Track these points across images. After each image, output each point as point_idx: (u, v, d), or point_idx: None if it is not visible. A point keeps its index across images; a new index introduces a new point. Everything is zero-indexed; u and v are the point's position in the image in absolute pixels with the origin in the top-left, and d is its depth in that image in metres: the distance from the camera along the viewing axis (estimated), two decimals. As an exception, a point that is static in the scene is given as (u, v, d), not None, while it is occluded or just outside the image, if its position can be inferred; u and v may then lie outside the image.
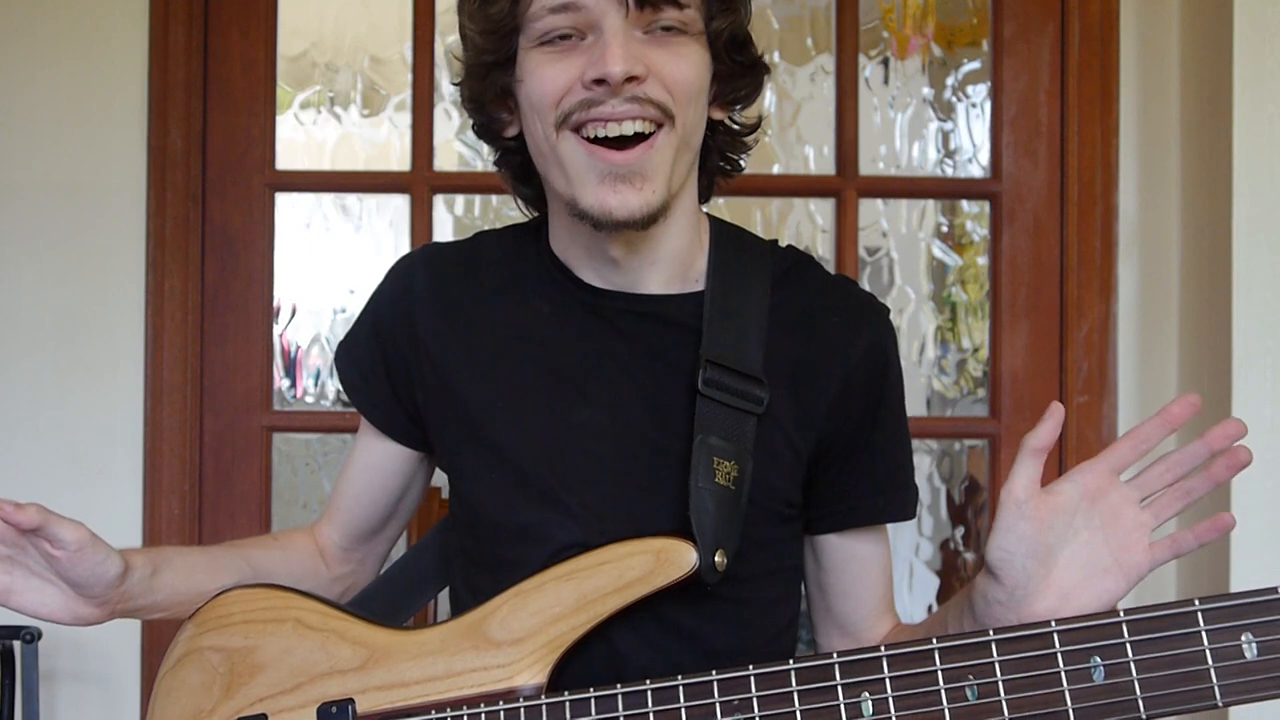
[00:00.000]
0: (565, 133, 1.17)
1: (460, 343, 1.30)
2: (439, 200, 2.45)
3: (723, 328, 1.23)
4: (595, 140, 1.16)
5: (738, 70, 1.25)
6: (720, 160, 1.32)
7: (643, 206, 1.16)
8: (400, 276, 1.36)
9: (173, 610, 1.30)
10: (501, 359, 1.28)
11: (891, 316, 1.35)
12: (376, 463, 1.41)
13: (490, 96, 1.24)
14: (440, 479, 1.44)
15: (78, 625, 1.23)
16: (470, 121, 1.31)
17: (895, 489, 1.31)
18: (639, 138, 1.15)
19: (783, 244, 1.35)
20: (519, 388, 1.26)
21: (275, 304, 2.39)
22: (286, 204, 2.44)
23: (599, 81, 1.13)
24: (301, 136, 2.52)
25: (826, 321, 1.27)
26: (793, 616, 1.34)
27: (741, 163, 1.34)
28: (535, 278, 1.30)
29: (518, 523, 1.23)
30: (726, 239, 1.31)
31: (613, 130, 1.15)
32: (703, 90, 1.20)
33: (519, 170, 1.30)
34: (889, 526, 1.34)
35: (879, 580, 1.34)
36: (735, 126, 1.31)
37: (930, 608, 2.60)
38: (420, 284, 1.33)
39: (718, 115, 1.27)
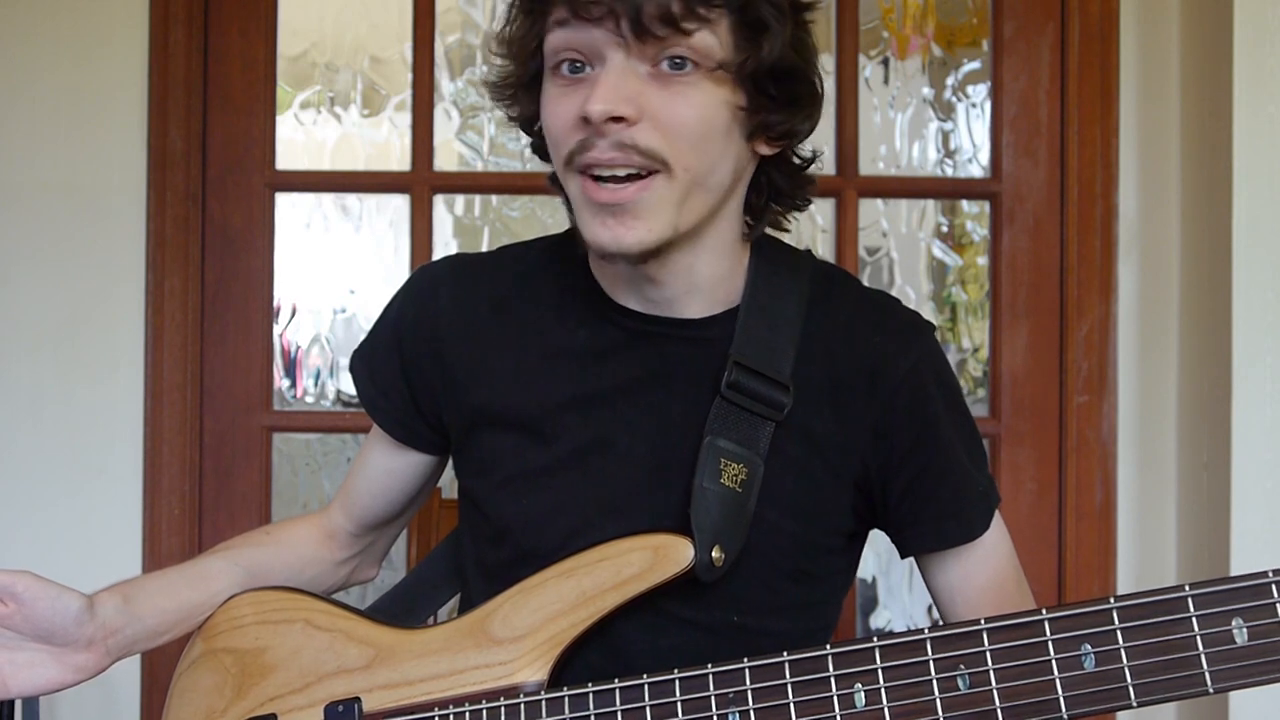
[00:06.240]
0: (572, 172, 1.13)
1: (488, 363, 1.28)
2: (439, 200, 2.45)
3: (753, 332, 1.21)
4: (594, 177, 1.12)
5: (772, 105, 1.15)
6: (771, 195, 1.23)
7: (636, 244, 1.11)
8: (424, 290, 1.33)
9: (174, 630, 1.29)
10: (534, 381, 1.25)
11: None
12: (395, 468, 1.40)
13: (525, 120, 1.22)
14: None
15: (84, 679, 1.22)
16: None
17: (960, 512, 1.25)
18: (634, 176, 1.11)
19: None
20: (553, 412, 1.24)
21: (275, 304, 2.39)
22: (286, 204, 2.44)
23: (586, 120, 1.09)
24: (301, 136, 2.52)
25: (867, 341, 1.23)
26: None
27: (798, 201, 1.26)
28: (570, 299, 1.27)
29: (546, 549, 1.21)
30: (766, 250, 1.27)
31: (604, 171, 1.11)
32: (714, 131, 1.12)
33: None
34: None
35: (983, 593, 1.26)
36: (795, 160, 1.23)
37: (930, 608, 2.59)
38: (445, 300, 1.30)
39: (766, 150, 1.19)
